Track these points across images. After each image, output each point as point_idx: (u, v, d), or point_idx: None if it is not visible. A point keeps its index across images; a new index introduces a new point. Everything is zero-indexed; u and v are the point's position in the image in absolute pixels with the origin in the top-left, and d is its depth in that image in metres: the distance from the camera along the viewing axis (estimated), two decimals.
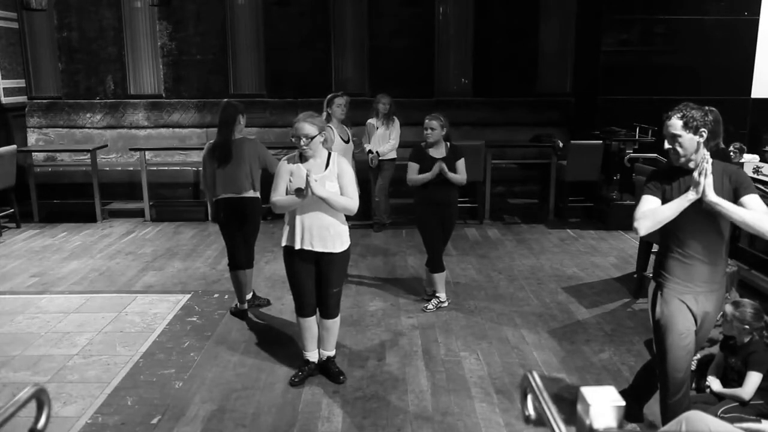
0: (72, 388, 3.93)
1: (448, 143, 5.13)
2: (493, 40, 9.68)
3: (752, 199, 2.77)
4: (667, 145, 2.91)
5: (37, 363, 4.28)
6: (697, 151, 2.85)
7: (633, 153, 7.59)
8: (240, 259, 5.01)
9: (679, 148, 2.85)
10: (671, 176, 2.93)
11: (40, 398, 1.89)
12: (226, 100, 5.20)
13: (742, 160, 5.69)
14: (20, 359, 4.34)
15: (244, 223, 4.95)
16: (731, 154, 5.25)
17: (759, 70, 8.49)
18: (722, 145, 4.65)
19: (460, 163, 5.10)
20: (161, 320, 5.00)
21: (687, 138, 2.83)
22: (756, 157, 5.73)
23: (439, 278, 5.23)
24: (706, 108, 2.89)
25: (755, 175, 5.34)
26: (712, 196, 2.74)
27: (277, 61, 9.62)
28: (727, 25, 8.45)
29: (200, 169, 8.75)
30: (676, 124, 2.84)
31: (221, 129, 4.86)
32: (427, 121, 5.04)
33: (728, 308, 3.55)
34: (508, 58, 9.70)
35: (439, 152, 5.08)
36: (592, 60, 8.97)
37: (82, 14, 9.51)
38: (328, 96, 6.62)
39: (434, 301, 5.26)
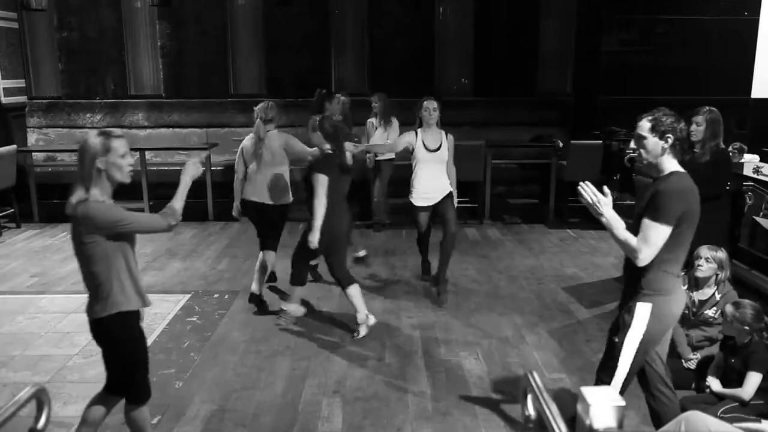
0: (72, 388, 3.94)
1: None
2: (493, 40, 9.68)
3: (644, 224, 2.74)
4: (632, 145, 2.95)
5: (37, 363, 4.28)
6: (661, 155, 2.83)
7: (633, 153, 7.58)
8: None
9: (642, 150, 2.87)
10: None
11: (40, 398, 1.89)
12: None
13: (742, 160, 5.69)
14: (20, 359, 4.34)
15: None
16: (731, 153, 5.25)
17: (759, 70, 8.48)
18: (722, 145, 4.66)
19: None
20: (161, 320, 4.99)
21: (652, 141, 2.83)
22: (756, 157, 5.72)
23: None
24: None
25: (755, 175, 5.33)
26: (604, 213, 2.77)
27: (277, 61, 9.62)
28: (727, 25, 8.46)
29: (201, 169, 8.78)
30: (644, 125, 2.86)
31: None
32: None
33: (728, 309, 3.55)
34: (508, 58, 9.70)
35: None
36: (592, 60, 8.97)
37: (82, 14, 9.51)
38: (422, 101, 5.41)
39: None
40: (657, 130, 2.81)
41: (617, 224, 2.77)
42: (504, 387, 3.95)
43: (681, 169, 2.84)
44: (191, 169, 3.07)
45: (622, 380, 2.94)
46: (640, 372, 3.03)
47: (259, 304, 5.13)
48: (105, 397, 3.01)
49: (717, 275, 3.96)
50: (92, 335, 2.89)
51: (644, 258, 2.73)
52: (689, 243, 2.86)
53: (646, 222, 2.73)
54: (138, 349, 2.93)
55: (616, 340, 2.93)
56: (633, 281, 2.88)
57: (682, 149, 2.86)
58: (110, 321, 2.80)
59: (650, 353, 2.97)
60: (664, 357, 3.08)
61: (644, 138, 2.84)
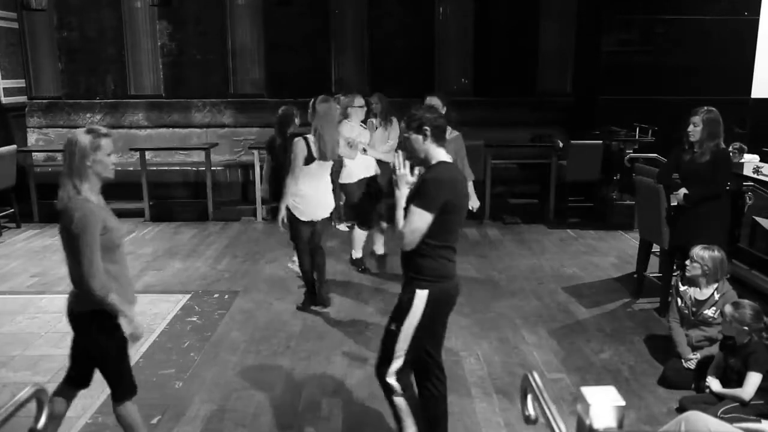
0: None
1: None
2: (493, 40, 9.68)
3: (410, 209, 2.81)
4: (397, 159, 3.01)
5: (37, 363, 4.28)
6: (426, 147, 2.88)
7: (633, 153, 7.59)
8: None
9: (411, 152, 2.93)
10: None
11: (40, 398, 1.89)
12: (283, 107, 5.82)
13: (742, 160, 5.69)
14: (20, 359, 4.34)
15: None
16: (731, 153, 5.25)
17: (759, 70, 8.49)
18: (722, 145, 4.65)
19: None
20: (161, 320, 4.99)
21: (413, 138, 2.90)
22: (756, 157, 5.72)
23: None
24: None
25: (755, 175, 5.33)
26: (401, 188, 2.90)
27: (277, 61, 9.62)
28: (727, 25, 8.46)
29: (201, 169, 8.81)
30: (402, 129, 2.97)
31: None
32: None
33: (728, 309, 3.55)
34: (508, 58, 9.71)
35: None
36: (592, 60, 8.97)
37: (82, 14, 9.51)
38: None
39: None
40: (412, 126, 2.89)
41: (402, 204, 2.87)
42: (504, 387, 3.95)
43: (449, 159, 2.93)
44: (135, 335, 2.93)
45: (397, 369, 2.92)
46: (417, 364, 3.04)
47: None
48: (63, 389, 3.05)
49: (706, 274, 3.96)
50: (71, 327, 2.91)
51: (408, 242, 2.81)
52: (457, 230, 2.95)
53: (411, 208, 2.82)
54: (112, 345, 2.89)
55: (393, 327, 2.92)
56: (410, 267, 2.91)
57: (442, 135, 2.93)
58: (86, 317, 2.83)
59: (427, 342, 2.99)
60: (440, 348, 3.12)
61: (407, 139, 2.92)
